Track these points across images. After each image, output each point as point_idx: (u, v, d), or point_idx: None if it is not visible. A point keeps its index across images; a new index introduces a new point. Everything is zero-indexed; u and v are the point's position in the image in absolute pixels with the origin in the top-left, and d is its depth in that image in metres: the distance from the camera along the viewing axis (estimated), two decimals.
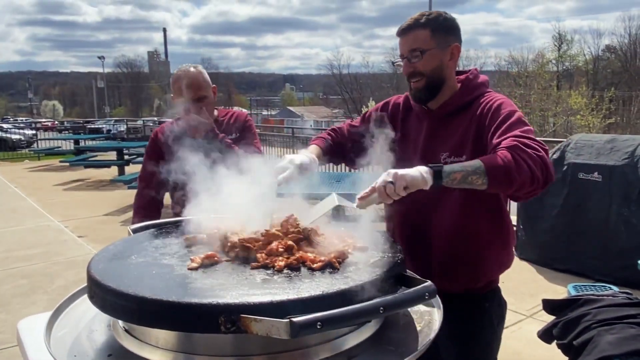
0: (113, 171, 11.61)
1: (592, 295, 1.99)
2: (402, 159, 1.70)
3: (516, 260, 5.15)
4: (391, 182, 1.34)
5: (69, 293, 1.50)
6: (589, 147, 4.80)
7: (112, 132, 23.34)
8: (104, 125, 26.90)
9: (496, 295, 1.83)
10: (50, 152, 15.62)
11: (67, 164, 12.33)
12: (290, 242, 1.34)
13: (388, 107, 1.92)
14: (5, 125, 23.67)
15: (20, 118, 49.78)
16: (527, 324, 3.78)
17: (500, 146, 1.46)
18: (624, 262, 4.28)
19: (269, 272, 1.24)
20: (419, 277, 1.26)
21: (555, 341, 1.94)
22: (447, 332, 1.64)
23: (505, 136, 1.50)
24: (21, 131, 21.53)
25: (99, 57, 61.23)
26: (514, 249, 1.88)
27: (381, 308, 1.07)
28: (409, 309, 1.37)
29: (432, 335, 1.24)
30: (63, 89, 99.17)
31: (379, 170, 1.54)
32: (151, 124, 19.74)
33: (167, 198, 2.53)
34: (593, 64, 38.64)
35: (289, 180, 1.61)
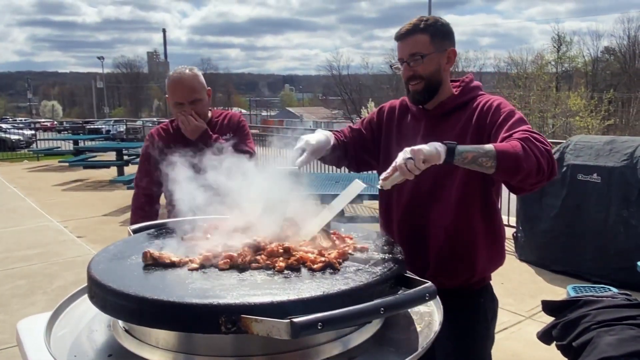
0: (112, 172, 11.59)
1: (592, 296, 1.99)
2: None
3: (516, 261, 5.20)
4: (410, 158, 1.40)
5: (68, 293, 1.50)
6: (588, 149, 4.81)
7: (111, 132, 23.30)
8: (103, 126, 26.87)
9: (489, 291, 1.89)
10: (50, 153, 15.60)
11: (67, 164, 12.30)
12: (287, 244, 1.34)
13: (383, 112, 1.99)
14: (4, 126, 23.63)
15: (20, 118, 49.71)
16: (527, 325, 3.78)
17: (512, 137, 1.53)
18: (622, 264, 4.29)
19: (269, 272, 1.24)
20: (419, 277, 1.27)
21: (555, 342, 1.94)
22: (441, 327, 1.69)
23: (514, 130, 1.57)
24: (20, 131, 21.49)
25: (99, 58, 61.25)
26: (505, 248, 1.93)
27: (382, 309, 1.07)
28: (409, 310, 1.37)
29: (433, 336, 1.24)
30: (62, 89, 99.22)
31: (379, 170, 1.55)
32: (150, 125, 19.73)
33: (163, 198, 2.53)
34: (592, 66, 38.71)
35: (306, 163, 1.68)
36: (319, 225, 1.46)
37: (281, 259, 1.29)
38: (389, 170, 1.46)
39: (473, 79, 1.88)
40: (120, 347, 1.24)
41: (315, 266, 1.25)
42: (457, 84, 1.85)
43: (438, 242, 1.78)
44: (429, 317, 1.37)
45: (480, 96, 1.80)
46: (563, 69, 36.92)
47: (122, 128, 23.25)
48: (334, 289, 1.11)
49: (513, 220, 5.45)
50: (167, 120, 2.72)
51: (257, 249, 1.33)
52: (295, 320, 0.96)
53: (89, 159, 12.81)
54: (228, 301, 1.05)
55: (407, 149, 1.43)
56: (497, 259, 1.87)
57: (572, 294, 2.79)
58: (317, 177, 6.77)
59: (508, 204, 5.71)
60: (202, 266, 1.28)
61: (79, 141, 15.91)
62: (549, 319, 2.03)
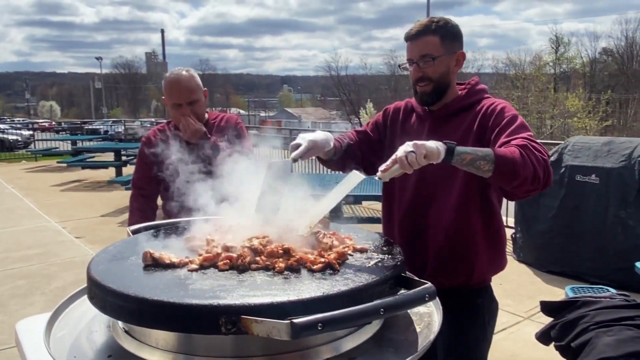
0: (111, 172, 11.59)
1: (590, 297, 2.00)
2: None
3: (514, 262, 5.20)
4: (412, 151, 1.39)
5: (66, 294, 1.50)
6: (586, 150, 4.82)
7: (109, 133, 23.27)
8: (102, 126, 26.84)
9: (488, 293, 1.88)
10: (48, 153, 15.58)
11: (65, 164, 12.30)
12: (287, 245, 1.34)
13: (388, 113, 1.99)
14: (2, 126, 23.55)
15: (18, 118, 49.61)
16: (525, 326, 3.79)
17: (511, 144, 1.54)
18: (621, 264, 4.29)
19: (269, 273, 1.25)
20: (418, 278, 1.27)
21: (553, 343, 1.95)
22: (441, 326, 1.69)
23: (514, 136, 1.58)
24: (18, 132, 21.47)
25: (97, 58, 61.08)
26: (506, 252, 1.93)
27: (382, 309, 1.07)
28: (408, 311, 1.37)
29: (432, 336, 1.24)
30: (60, 89, 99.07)
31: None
32: (149, 125, 19.72)
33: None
34: (590, 67, 38.79)
35: (303, 156, 1.65)
36: (317, 217, 1.43)
37: (281, 259, 1.29)
38: (388, 162, 1.44)
39: (479, 82, 1.88)
40: (120, 347, 1.24)
41: (315, 267, 1.26)
42: (463, 86, 1.86)
43: (437, 242, 1.79)
44: (428, 318, 1.37)
45: (485, 99, 1.81)
46: (561, 70, 37.03)
47: (121, 128, 23.22)
48: (334, 290, 1.11)
49: (511, 221, 5.45)
50: (164, 121, 2.72)
51: (257, 250, 1.33)
52: (295, 321, 0.96)
53: (87, 160, 12.80)
54: (228, 302, 1.05)
55: (410, 142, 1.42)
56: (498, 263, 1.87)
57: (571, 294, 2.79)
58: (317, 177, 6.77)
59: (507, 205, 5.71)
60: (202, 267, 1.28)
61: (77, 142, 15.90)
62: (548, 320, 2.03)
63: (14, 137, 20.14)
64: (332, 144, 1.78)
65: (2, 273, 5.13)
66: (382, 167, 1.46)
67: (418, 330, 1.31)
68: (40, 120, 39.23)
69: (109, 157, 12.19)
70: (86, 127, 23.81)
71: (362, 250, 1.41)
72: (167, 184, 2.01)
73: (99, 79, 66.08)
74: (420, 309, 1.40)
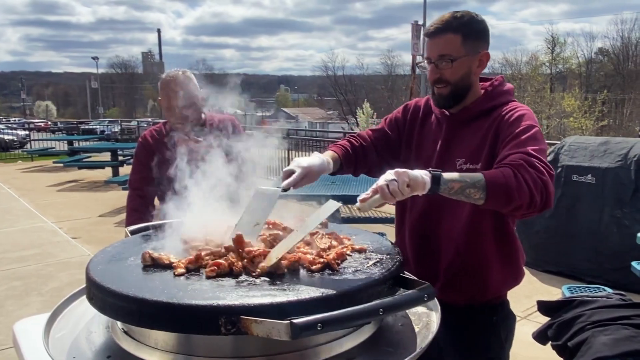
0: (107, 172, 11.56)
1: (587, 296, 2.01)
2: (418, 163, 1.68)
3: None
4: (394, 180, 1.28)
5: (63, 294, 1.50)
6: (582, 150, 4.84)
7: (106, 133, 23.21)
8: (98, 126, 26.77)
9: (504, 309, 1.77)
10: (44, 153, 15.53)
11: (61, 164, 12.28)
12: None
13: (408, 110, 1.86)
14: None
15: (13, 118, 49.42)
16: (522, 326, 3.79)
17: (505, 161, 1.42)
18: (616, 264, 4.32)
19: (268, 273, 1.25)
20: (417, 279, 1.27)
21: (550, 342, 1.96)
22: (453, 343, 1.62)
23: (515, 150, 1.45)
24: (14, 132, 21.40)
25: (93, 58, 61.12)
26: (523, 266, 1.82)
27: (381, 309, 1.08)
28: (407, 311, 1.38)
29: (431, 336, 1.25)
30: (56, 89, 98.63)
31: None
32: (145, 125, 19.67)
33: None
34: (586, 67, 38.94)
35: (294, 185, 1.54)
36: (285, 249, 1.31)
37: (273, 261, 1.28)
38: (368, 191, 1.33)
39: (503, 81, 1.72)
40: (119, 348, 1.24)
41: (313, 267, 1.26)
42: (487, 84, 1.71)
43: (449, 256, 1.69)
44: (426, 318, 1.37)
45: (507, 104, 1.64)
46: (557, 70, 37.14)
47: (117, 128, 23.17)
48: (333, 290, 1.11)
49: None
50: (161, 121, 2.72)
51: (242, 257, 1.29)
52: (295, 321, 0.96)
53: (84, 160, 12.77)
54: (228, 302, 1.05)
55: (391, 171, 1.31)
56: (513, 279, 1.78)
57: (567, 294, 2.80)
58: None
59: None
60: (188, 270, 1.26)
61: (74, 141, 15.85)
62: (545, 319, 2.04)
63: (10, 137, 20.08)
64: (331, 166, 1.68)
65: None
66: (362, 196, 1.34)
67: (417, 330, 1.32)
68: (36, 120, 39.09)
69: (106, 157, 12.16)
70: (82, 127, 23.70)
71: (360, 251, 1.41)
72: (164, 184, 2.01)
73: (95, 78, 65.75)
74: (419, 308, 1.40)
